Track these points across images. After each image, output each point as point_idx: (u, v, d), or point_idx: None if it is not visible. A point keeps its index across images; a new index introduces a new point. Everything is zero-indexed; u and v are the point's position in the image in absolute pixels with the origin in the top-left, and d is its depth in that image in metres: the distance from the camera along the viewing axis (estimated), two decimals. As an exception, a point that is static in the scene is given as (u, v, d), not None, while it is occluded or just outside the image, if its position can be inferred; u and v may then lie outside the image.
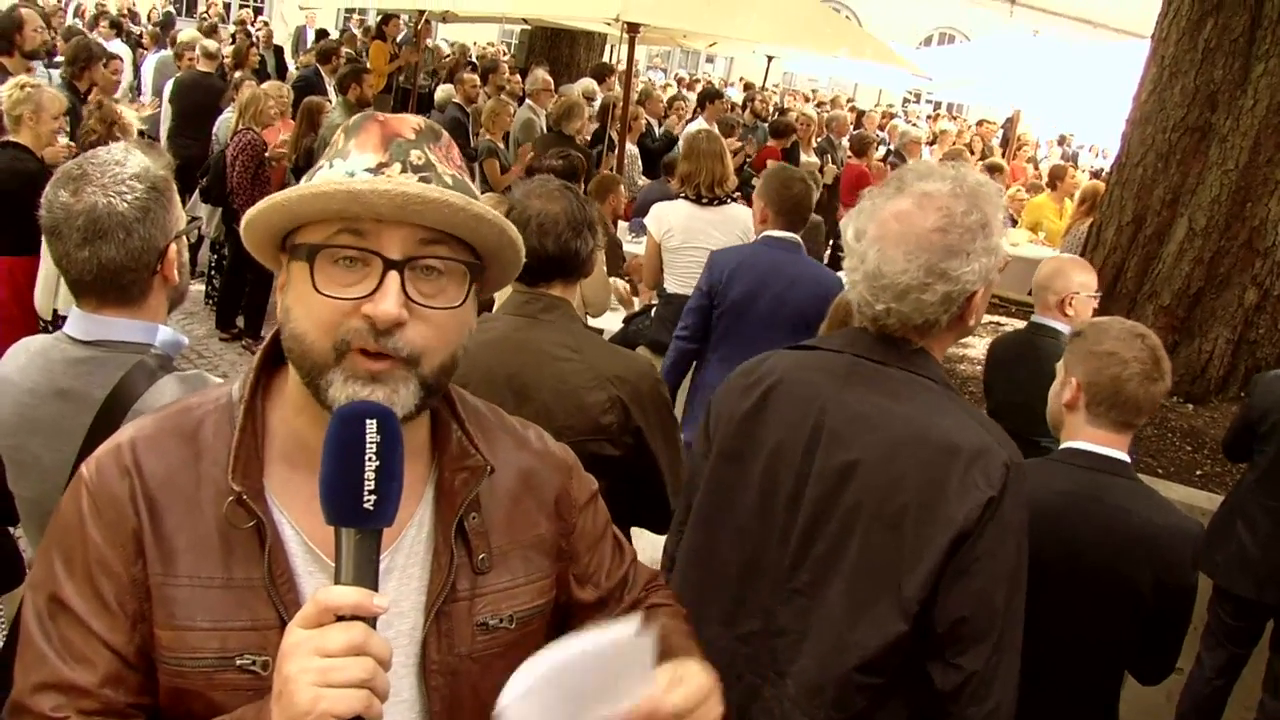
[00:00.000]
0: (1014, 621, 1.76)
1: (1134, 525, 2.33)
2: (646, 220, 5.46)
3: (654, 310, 5.42)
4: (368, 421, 1.02)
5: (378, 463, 1.01)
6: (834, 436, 1.83)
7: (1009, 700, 1.76)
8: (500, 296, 2.87)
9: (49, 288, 3.99)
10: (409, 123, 1.18)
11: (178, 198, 2.01)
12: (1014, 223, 10.65)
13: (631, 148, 9.37)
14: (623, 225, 7.38)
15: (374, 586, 1.01)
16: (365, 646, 0.97)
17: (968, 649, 1.73)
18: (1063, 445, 2.49)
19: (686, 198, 5.28)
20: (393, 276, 1.09)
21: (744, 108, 14.39)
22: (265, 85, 7.88)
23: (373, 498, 1.01)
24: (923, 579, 1.74)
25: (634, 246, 6.72)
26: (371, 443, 1.02)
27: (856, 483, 1.80)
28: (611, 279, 5.85)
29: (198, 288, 8.13)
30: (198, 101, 8.87)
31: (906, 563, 1.75)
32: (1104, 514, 2.35)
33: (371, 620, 0.99)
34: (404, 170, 1.12)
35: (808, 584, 1.84)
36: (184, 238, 2.02)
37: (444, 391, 1.23)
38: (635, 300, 5.98)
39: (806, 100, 19.25)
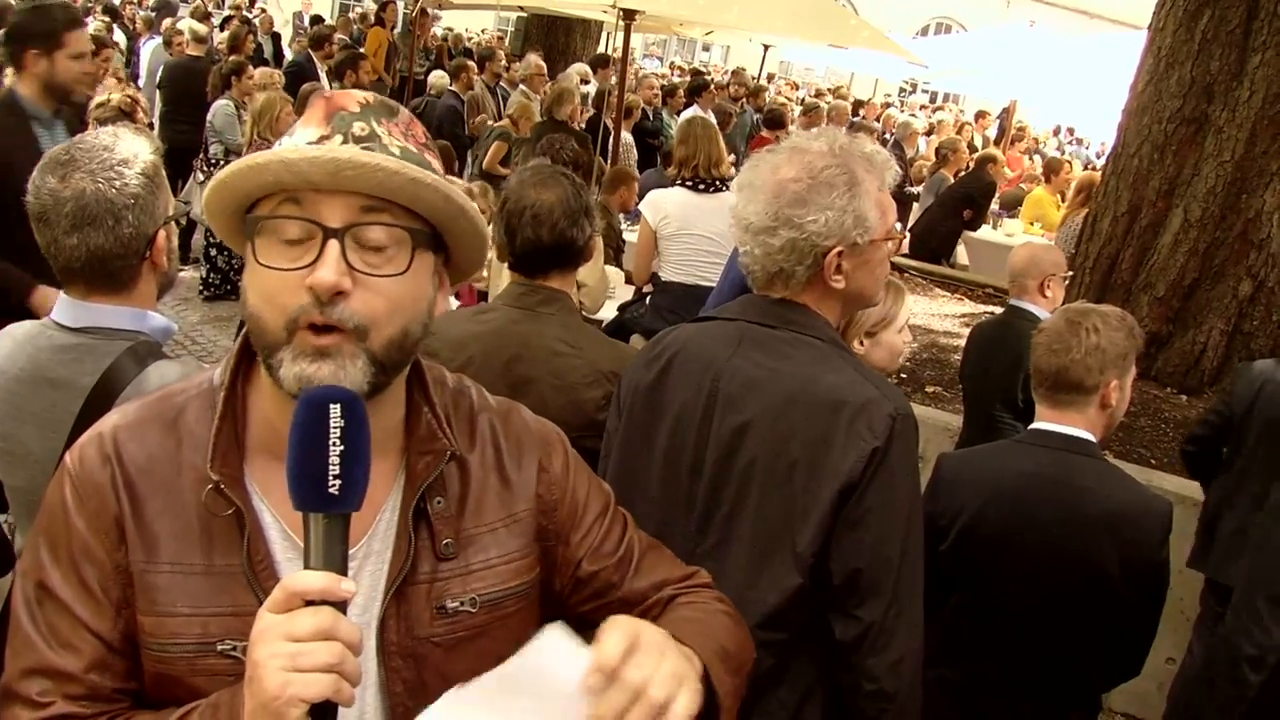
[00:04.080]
0: (910, 573, 1.80)
1: (1095, 504, 2.35)
2: (642, 206, 5.42)
3: (649, 298, 5.40)
4: (331, 406, 1.02)
5: (341, 447, 1.01)
6: (728, 401, 1.88)
7: (914, 655, 1.79)
8: (502, 284, 2.85)
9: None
10: (354, 97, 1.17)
11: (167, 183, 1.99)
12: (1012, 214, 10.65)
13: (626, 136, 9.33)
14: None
15: (343, 571, 1.01)
16: (333, 631, 0.97)
17: (865, 600, 1.77)
18: (1029, 427, 2.54)
19: (684, 184, 5.26)
20: (332, 245, 1.08)
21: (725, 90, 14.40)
22: (257, 72, 7.84)
23: (338, 482, 1.01)
24: (813, 532, 1.78)
25: (629, 235, 6.71)
26: (335, 427, 1.01)
27: (749, 443, 1.85)
28: (611, 268, 5.83)
29: (192, 274, 8.11)
30: (189, 86, 8.81)
31: (797, 517, 1.80)
32: (1066, 494, 2.37)
33: (341, 605, 0.99)
34: (345, 141, 1.11)
35: (713, 547, 1.89)
36: (173, 223, 2.01)
37: (401, 369, 1.21)
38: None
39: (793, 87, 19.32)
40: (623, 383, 2.09)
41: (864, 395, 1.79)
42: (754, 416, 1.85)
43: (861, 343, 2.59)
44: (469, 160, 9.86)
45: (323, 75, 9.67)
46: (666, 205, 5.23)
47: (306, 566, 1.01)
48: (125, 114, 4.85)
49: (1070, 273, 4.10)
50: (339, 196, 1.10)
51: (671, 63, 21.97)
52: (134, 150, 1.90)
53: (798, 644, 1.85)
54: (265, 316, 1.11)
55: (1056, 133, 21.17)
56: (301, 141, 1.12)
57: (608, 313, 5.54)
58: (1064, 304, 3.96)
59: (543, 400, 2.34)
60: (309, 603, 0.98)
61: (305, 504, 1.02)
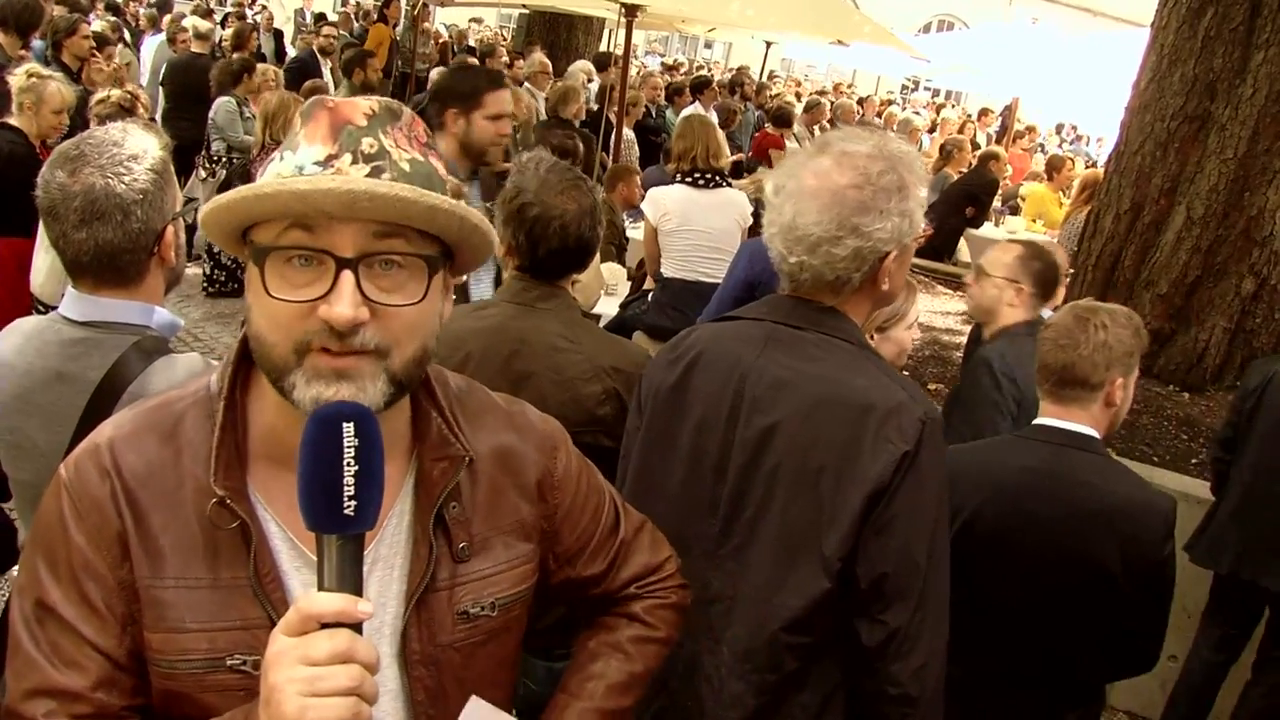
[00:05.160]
0: (936, 577, 1.78)
1: (1096, 500, 2.34)
2: (643, 205, 5.44)
3: (651, 295, 5.41)
4: (345, 425, 0.99)
5: (356, 467, 0.99)
6: (754, 403, 1.86)
7: (938, 658, 1.78)
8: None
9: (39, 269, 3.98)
10: (360, 107, 1.11)
11: (175, 178, 1.99)
12: (1014, 211, 10.66)
13: (628, 133, 9.32)
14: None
15: (358, 591, 0.99)
16: (351, 654, 0.95)
17: (891, 604, 1.75)
18: (1032, 423, 2.53)
19: (684, 179, 5.27)
20: (346, 276, 1.04)
21: (732, 91, 14.37)
22: (258, 68, 7.84)
23: (353, 503, 0.98)
24: (841, 537, 1.76)
25: (632, 232, 6.72)
26: (349, 447, 0.99)
27: (776, 446, 1.83)
28: (614, 265, 5.83)
29: (195, 270, 8.12)
30: (191, 83, 8.80)
31: (825, 521, 1.78)
32: (1066, 490, 2.36)
33: (357, 625, 0.97)
34: (354, 161, 1.07)
35: (736, 549, 1.87)
36: (180, 219, 2.01)
37: (417, 382, 1.19)
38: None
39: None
40: (643, 382, 2.06)
41: (894, 399, 1.77)
42: (782, 419, 1.83)
43: (872, 336, 2.59)
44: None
45: (326, 71, 9.67)
46: (666, 202, 5.25)
47: (321, 587, 0.99)
48: (125, 110, 4.84)
49: (1072, 270, 4.08)
50: (352, 222, 1.06)
51: (663, 62, 21.86)
52: (143, 146, 1.90)
53: (822, 648, 1.83)
54: (273, 341, 1.08)
55: (1059, 130, 21.14)
56: (307, 161, 1.08)
57: (609, 309, 5.55)
58: (1065, 302, 3.98)
59: (542, 395, 2.34)
60: (324, 624, 0.96)
61: (319, 525, 0.99)
